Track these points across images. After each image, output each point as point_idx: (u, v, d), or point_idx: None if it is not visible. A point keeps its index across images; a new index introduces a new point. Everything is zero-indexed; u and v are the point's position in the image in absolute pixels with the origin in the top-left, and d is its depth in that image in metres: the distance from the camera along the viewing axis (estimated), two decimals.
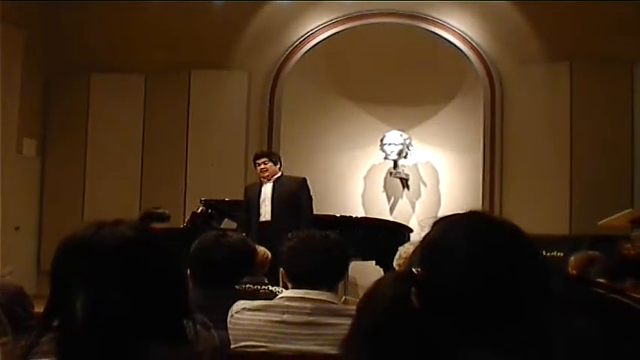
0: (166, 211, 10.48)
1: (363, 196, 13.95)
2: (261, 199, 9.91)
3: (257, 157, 10.23)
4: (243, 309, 3.67)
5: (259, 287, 5.02)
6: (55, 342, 1.83)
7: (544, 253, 10.32)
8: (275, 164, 10.01)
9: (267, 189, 9.92)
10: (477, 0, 13.08)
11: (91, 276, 1.85)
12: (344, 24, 13.51)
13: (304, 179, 10.09)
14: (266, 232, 9.09)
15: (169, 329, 1.88)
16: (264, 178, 9.95)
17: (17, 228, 13.09)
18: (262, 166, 9.95)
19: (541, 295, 1.79)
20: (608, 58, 12.56)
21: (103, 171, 13.63)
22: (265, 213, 9.88)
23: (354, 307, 1.93)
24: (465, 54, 13.23)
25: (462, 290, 1.70)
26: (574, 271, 5.45)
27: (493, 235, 1.79)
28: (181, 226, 11.17)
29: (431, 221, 1.90)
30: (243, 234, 7.20)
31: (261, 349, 3.58)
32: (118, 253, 1.87)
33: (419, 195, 13.86)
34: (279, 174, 10.01)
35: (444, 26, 13.26)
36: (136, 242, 1.90)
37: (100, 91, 13.89)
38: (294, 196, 9.85)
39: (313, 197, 10.09)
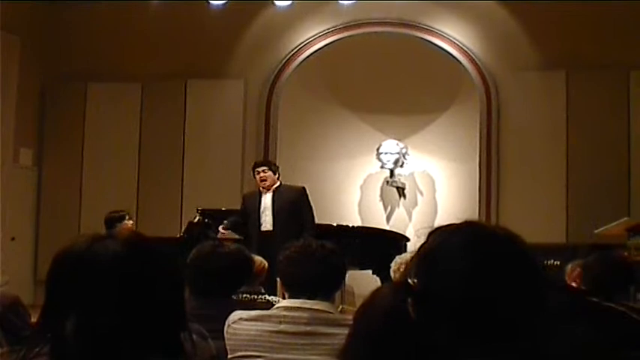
0: (124, 211, 10.45)
1: (359, 205, 13.96)
2: (261, 209, 9.89)
3: (257, 165, 10.22)
4: (240, 319, 3.67)
5: (256, 297, 5.02)
6: (49, 355, 1.83)
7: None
8: (274, 173, 10.00)
9: (267, 199, 9.91)
10: (472, 8, 13.10)
11: (84, 292, 1.84)
12: (340, 33, 13.53)
13: (303, 188, 10.09)
14: (268, 242, 9.06)
15: (166, 342, 1.88)
16: (263, 187, 9.94)
17: (13, 238, 13.08)
18: (262, 174, 9.94)
19: (538, 305, 1.79)
20: (604, 65, 12.57)
21: (100, 180, 13.64)
22: (266, 223, 9.86)
23: (350, 317, 1.93)
24: (460, 63, 13.25)
25: (458, 301, 1.71)
26: (570, 280, 5.45)
27: (489, 245, 1.79)
28: (178, 235, 11.16)
29: (427, 231, 1.91)
30: (231, 232, 7.19)
31: (258, 359, 3.58)
32: (112, 268, 1.86)
33: (415, 204, 13.87)
34: (278, 183, 10.01)
35: (440, 35, 13.28)
36: (130, 256, 1.90)
37: (96, 100, 13.91)
38: (295, 205, 9.84)
39: (313, 205, 10.10)
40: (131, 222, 10.22)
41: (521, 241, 1.84)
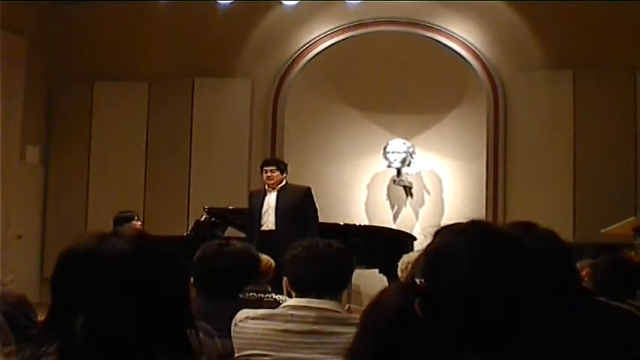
0: (132, 212, 10.50)
1: (366, 204, 13.95)
2: (263, 209, 9.89)
3: (265, 163, 10.22)
4: (247, 318, 3.67)
5: (263, 296, 5.02)
6: (57, 354, 1.83)
7: None
8: (282, 173, 10.00)
9: (271, 198, 9.90)
10: (479, 8, 13.09)
11: (91, 291, 1.84)
12: (347, 32, 13.52)
13: (308, 188, 10.09)
14: (269, 241, 9.02)
15: (173, 340, 1.88)
16: (269, 186, 9.95)
17: (20, 236, 13.09)
18: (269, 173, 9.94)
19: (543, 304, 1.79)
20: (611, 65, 12.56)
21: (107, 179, 13.64)
22: (268, 222, 9.86)
23: (357, 316, 1.93)
24: (467, 62, 13.23)
25: (465, 301, 1.71)
26: None
27: (495, 245, 1.79)
28: (185, 234, 11.17)
29: (433, 230, 1.91)
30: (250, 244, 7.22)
31: (265, 358, 3.58)
32: (119, 267, 1.86)
33: (422, 203, 13.86)
34: (284, 183, 10.01)
35: (447, 34, 13.27)
36: (137, 254, 1.90)
37: (103, 99, 13.91)
38: (299, 205, 9.83)
39: (317, 206, 10.10)
40: (139, 223, 10.24)
41: (533, 238, 1.84)
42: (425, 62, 13.29)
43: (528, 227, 2.71)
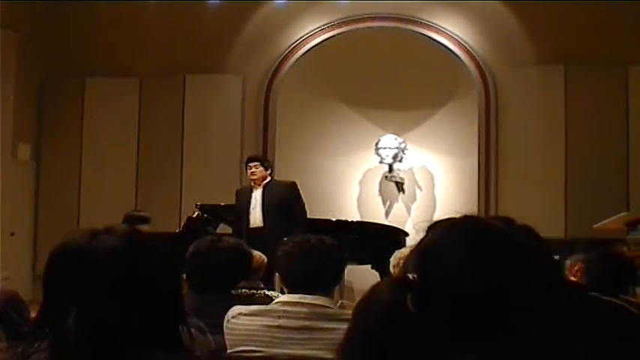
0: (147, 214, 10.37)
1: (358, 200, 13.95)
2: (251, 206, 9.90)
3: (249, 160, 10.25)
4: (240, 314, 3.67)
5: (255, 292, 5.01)
6: (49, 351, 1.83)
7: None
8: (266, 169, 10.01)
9: (257, 195, 9.91)
10: (470, 3, 13.08)
11: (83, 287, 1.84)
12: (338, 28, 13.52)
13: (294, 183, 10.09)
14: (257, 238, 9.00)
15: (166, 336, 1.88)
16: (252, 182, 9.96)
17: (12, 233, 13.05)
18: (253, 169, 9.96)
19: (536, 298, 1.79)
20: (603, 60, 12.56)
21: (98, 175, 13.62)
22: (255, 219, 9.86)
23: (349, 312, 1.93)
24: (459, 57, 13.23)
25: (457, 295, 1.70)
26: (570, 275, 5.45)
27: (488, 239, 1.79)
28: (177, 230, 11.16)
29: (426, 225, 1.90)
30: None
31: (258, 354, 3.58)
32: (111, 263, 1.86)
33: (414, 199, 13.86)
34: (269, 179, 10.01)
35: (438, 30, 13.27)
36: (128, 251, 1.90)
37: (94, 95, 13.89)
38: (285, 200, 9.83)
39: (305, 200, 10.09)
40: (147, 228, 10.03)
41: (519, 234, 1.84)
42: (416, 58, 13.29)
43: (507, 222, 2.70)
